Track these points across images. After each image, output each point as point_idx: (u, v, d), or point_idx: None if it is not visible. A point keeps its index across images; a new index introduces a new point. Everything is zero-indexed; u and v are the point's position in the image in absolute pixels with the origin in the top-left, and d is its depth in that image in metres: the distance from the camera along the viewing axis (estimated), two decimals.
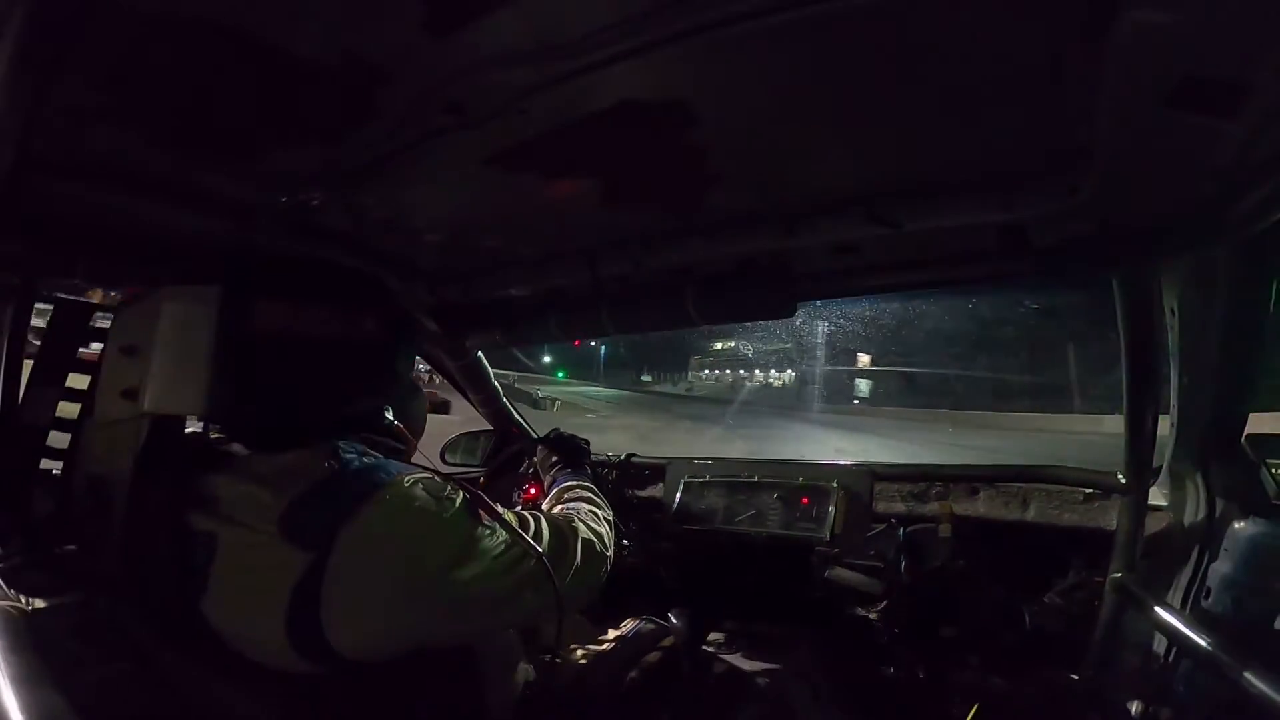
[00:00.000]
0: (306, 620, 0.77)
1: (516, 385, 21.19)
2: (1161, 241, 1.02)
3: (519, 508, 1.10)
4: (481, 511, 0.90)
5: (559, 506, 1.18)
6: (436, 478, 0.90)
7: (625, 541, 1.75)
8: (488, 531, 0.88)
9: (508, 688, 1.07)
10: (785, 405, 32.46)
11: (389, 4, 0.69)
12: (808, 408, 30.21)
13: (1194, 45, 0.66)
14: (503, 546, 0.88)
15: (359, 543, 0.79)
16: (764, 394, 42.26)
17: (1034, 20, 0.70)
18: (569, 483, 1.27)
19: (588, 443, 1.49)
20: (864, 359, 36.69)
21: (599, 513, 1.15)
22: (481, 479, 2.20)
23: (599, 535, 1.07)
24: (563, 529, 1.01)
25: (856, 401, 32.40)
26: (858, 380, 35.30)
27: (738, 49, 0.76)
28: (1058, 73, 0.76)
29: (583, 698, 1.26)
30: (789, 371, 44.45)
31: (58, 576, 1.04)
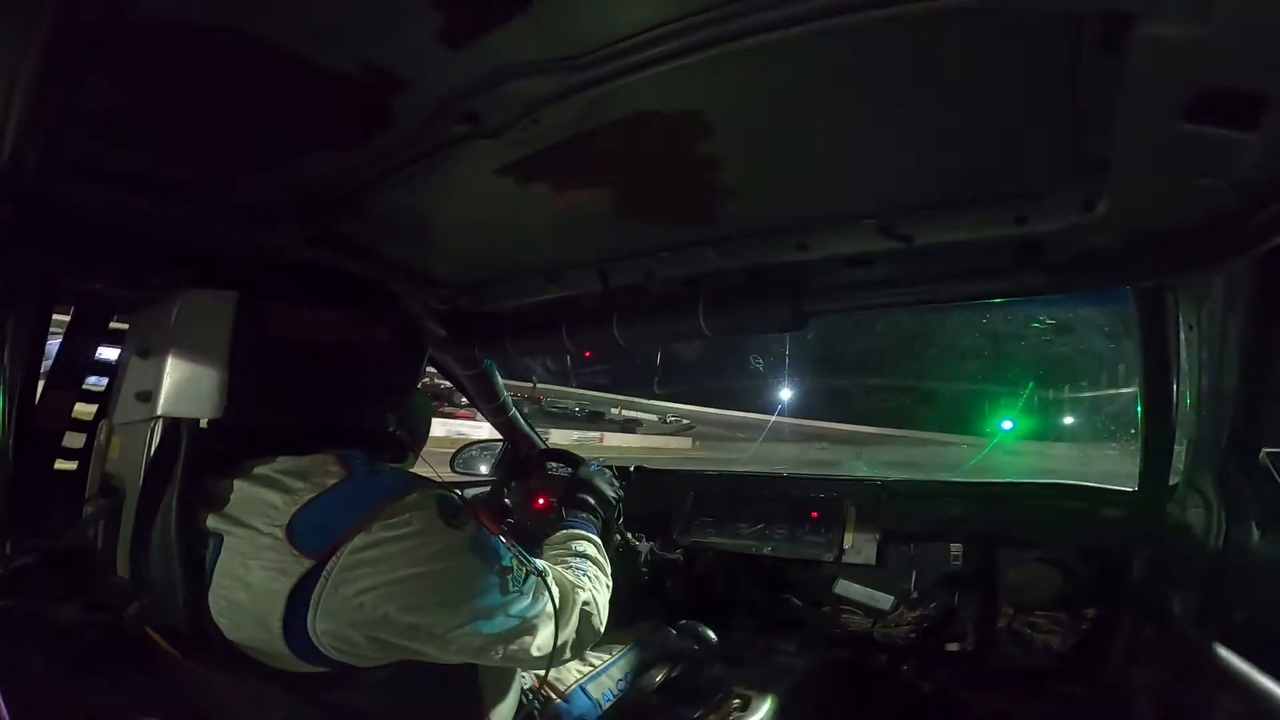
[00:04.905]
0: (299, 623, 0.79)
1: None
2: (1180, 255, 1.01)
3: (530, 531, 1.08)
4: (489, 548, 0.89)
5: (566, 558, 1.13)
6: (453, 497, 0.89)
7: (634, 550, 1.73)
8: (488, 569, 0.88)
9: (507, 693, 1.07)
10: None
11: (407, 15, 0.70)
12: None
13: (1212, 58, 0.66)
14: (498, 591, 0.87)
15: (359, 553, 0.79)
16: None
17: (1051, 35, 0.70)
18: (580, 531, 1.23)
19: (622, 490, 1.45)
20: None
21: (602, 579, 1.12)
22: (491, 489, 2.20)
23: (598, 607, 1.04)
24: (566, 594, 0.98)
25: None
26: None
27: (753, 62, 0.76)
28: (1074, 86, 0.75)
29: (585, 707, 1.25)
30: None
31: (71, 575, 1.04)
